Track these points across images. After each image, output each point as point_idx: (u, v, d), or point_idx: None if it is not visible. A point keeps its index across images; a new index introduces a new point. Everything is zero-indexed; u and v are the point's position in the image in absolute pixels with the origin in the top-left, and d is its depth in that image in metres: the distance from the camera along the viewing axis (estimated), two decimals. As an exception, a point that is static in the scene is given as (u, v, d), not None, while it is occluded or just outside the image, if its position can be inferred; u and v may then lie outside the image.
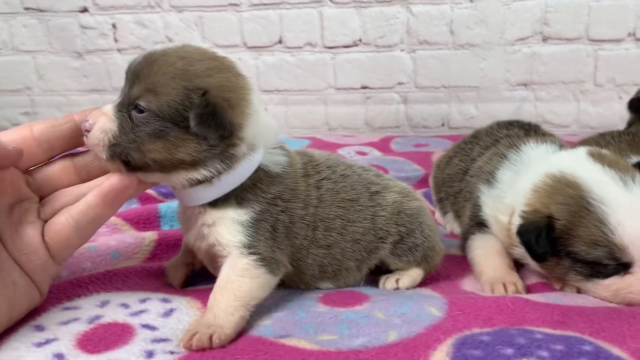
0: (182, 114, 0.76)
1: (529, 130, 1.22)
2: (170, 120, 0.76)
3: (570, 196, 0.89)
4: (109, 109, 0.79)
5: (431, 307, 0.84)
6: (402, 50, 2.27)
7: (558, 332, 0.73)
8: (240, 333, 0.77)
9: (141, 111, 0.76)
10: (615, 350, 0.67)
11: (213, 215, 0.83)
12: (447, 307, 0.83)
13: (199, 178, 0.80)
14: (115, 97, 0.81)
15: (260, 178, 0.85)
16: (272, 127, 0.88)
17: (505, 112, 2.23)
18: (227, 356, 0.70)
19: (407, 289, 0.96)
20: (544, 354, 0.67)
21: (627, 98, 1.56)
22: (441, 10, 2.19)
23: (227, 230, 0.82)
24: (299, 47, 2.32)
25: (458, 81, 2.27)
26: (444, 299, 0.86)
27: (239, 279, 0.80)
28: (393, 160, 1.87)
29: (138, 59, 0.80)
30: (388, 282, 0.97)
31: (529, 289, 0.98)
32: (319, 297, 0.89)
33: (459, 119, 2.31)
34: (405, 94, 2.33)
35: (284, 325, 0.79)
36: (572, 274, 0.91)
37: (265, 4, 2.29)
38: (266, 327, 0.78)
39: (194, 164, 0.79)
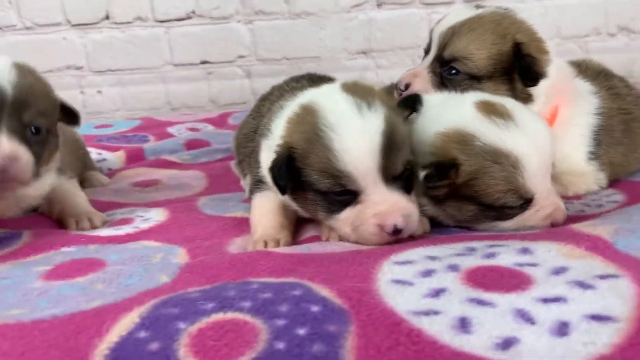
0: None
1: (317, 82, 1.17)
2: None
3: (308, 123, 0.83)
4: None
5: (163, 274, 0.75)
6: (238, 21, 2.17)
7: (279, 280, 0.66)
8: None
9: None
10: (324, 292, 0.61)
11: None
12: (180, 271, 0.75)
13: None
14: None
15: None
16: None
17: (348, 81, 2.20)
18: None
19: None
20: (247, 304, 0.60)
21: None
22: (273, -22, 2.12)
23: None
24: (129, 23, 2.17)
25: (298, 52, 2.21)
26: (182, 264, 0.78)
27: None
28: (219, 133, 1.80)
29: None
30: None
31: (300, 244, 0.92)
32: (42, 273, 0.78)
33: (304, 91, 2.26)
34: (247, 67, 2.24)
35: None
36: (318, 209, 0.86)
37: (86, -23, 2.11)
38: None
39: None
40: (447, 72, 1.06)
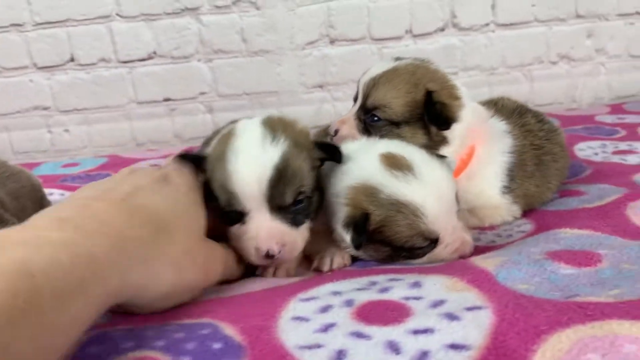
0: None
1: None
2: None
3: (223, 144, 0.94)
4: None
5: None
6: (198, 60, 2.27)
7: (193, 321, 0.74)
8: None
9: None
10: (229, 330, 0.69)
11: None
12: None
13: None
14: None
15: None
16: None
17: (306, 114, 2.31)
18: None
19: None
20: (161, 343, 0.68)
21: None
22: (230, 19, 2.22)
23: None
24: (93, 64, 2.25)
25: (258, 87, 2.31)
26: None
27: None
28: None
29: None
30: None
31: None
32: None
33: (264, 124, 2.35)
34: (209, 103, 2.33)
35: None
36: (220, 220, 0.94)
37: (50, 22, 2.19)
38: None
39: None
40: (370, 119, 1.15)
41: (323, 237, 1.06)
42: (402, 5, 2.25)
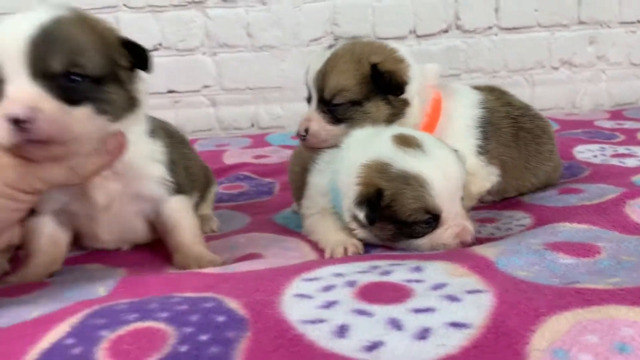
0: None
1: None
2: None
3: None
4: None
5: (101, 287, 0.84)
6: (203, 53, 2.28)
7: (199, 294, 0.75)
8: None
9: None
10: (233, 304, 0.70)
11: None
12: (116, 284, 0.84)
13: None
14: None
15: None
16: None
17: (308, 110, 2.31)
18: None
19: None
20: (164, 314, 0.69)
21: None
22: (236, 13, 2.24)
23: None
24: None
25: (262, 82, 2.32)
26: (117, 279, 0.87)
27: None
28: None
29: None
30: None
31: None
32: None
33: (267, 119, 2.37)
34: (213, 96, 2.34)
35: None
36: None
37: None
38: None
39: None
40: (333, 107, 1.16)
41: (330, 226, 1.09)
42: (407, 6, 2.27)
